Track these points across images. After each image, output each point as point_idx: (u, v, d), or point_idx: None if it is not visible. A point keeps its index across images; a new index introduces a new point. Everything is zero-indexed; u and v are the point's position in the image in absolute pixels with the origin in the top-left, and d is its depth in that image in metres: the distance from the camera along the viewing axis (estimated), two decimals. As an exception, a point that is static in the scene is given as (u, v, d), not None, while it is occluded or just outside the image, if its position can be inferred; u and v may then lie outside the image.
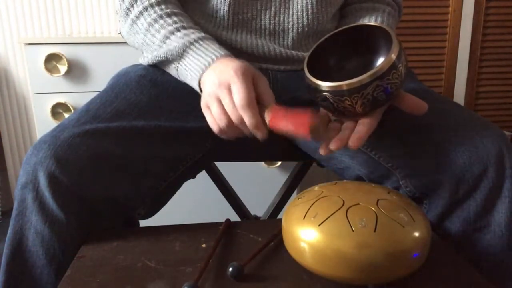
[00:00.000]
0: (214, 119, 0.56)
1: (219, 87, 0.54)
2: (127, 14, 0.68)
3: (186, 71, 0.62)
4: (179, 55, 0.62)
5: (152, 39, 0.66)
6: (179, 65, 0.63)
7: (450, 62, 2.09)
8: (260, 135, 0.54)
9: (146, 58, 0.70)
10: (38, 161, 0.56)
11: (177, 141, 0.66)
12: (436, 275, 0.49)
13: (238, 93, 0.52)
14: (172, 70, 0.66)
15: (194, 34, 0.63)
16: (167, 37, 0.64)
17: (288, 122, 0.50)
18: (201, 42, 0.62)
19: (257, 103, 0.54)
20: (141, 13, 0.66)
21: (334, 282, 0.47)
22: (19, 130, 1.83)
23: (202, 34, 0.64)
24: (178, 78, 0.66)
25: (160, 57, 0.65)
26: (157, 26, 0.65)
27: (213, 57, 0.59)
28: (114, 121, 0.62)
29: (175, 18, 0.65)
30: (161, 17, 0.65)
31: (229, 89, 0.54)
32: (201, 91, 0.60)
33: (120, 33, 0.75)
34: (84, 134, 0.58)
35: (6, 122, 1.81)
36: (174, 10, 0.67)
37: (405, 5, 1.96)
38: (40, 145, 0.57)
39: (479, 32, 2.06)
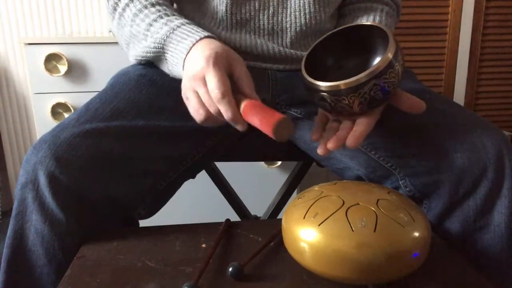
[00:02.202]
0: (194, 111, 0.56)
1: (194, 79, 0.54)
2: (115, 9, 0.70)
3: (173, 57, 0.61)
4: (164, 42, 0.62)
5: (137, 29, 0.66)
6: (166, 54, 0.63)
7: (450, 62, 2.09)
8: (239, 127, 0.53)
9: (134, 52, 0.69)
10: (38, 160, 0.56)
11: (177, 141, 0.66)
12: (436, 275, 0.49)
13: (212, 86, 0.51)
14: (164, 65, 0.66)
15: (177, 20, 0.63)
16: (151, 25, 0.64)
17: (255, 117, 0.49)
18: (183, 27, 0.61)
19: (236, 92, 0.53)
20: (127, 5, 0.68)
21: (334, 282, 0.47)
22: (19, 130, 1.83)
23: (184, 19, 0.64)
24: (171, 75, 0.65)
25: (146, 47, 0.65)
26: (141, 15, 0.66)
27: (196, 37, 0.58)
28: (113, 120, 0.62)
29: (158, 7, 0.66)
30: (145, 7, 0.66)
31: (204, 80, 0.53)
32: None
33: (111, 31, 0.75)
34: (84, 134, 0.58)
35: (6, 122, 1.81)
36: (159, 1, 0.68)
37: (405, 5, 1.96)
38: (40, 144, 0.57)
39: (479, 32, 2.06)
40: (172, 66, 0.63)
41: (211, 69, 0.52)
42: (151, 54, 0.65)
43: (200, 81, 0.53)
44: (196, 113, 0.56)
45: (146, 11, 0.66)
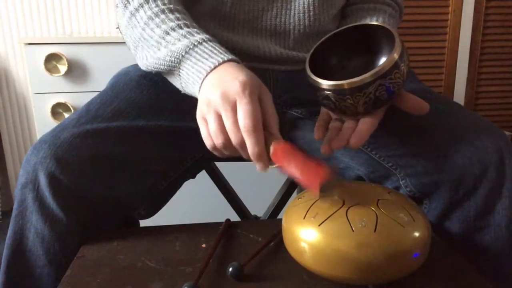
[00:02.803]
0: (209, 134, 0.51)
1: (221, 100, 0.48)
2: (126, 6, 0.64)
3: (188, 75, 0.56)
4: (181, 58, 0.56)
5: (150, 34, 0.60)
6: (180, 69, 0.57)
7: (450, 62, 2.09)
8: (260, 166, 0.49)
9: (144, 59, 0.63)
10: (38, 161, 0.56)
11: (177, 141, 0.66)
12: (436, 275, 0.49)
13: (245, 114, 0.46)
14: (175, 80, 0.60)
15: (198, 35, 0.57)
16: (167, 33, 0.58)
17: (294, 167, 0.45)
18: (205, 44, 0.56)
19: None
20: (141, 5, 0.62)
21: (334, 282, 0.47)
22: (19, 130, 1.83)
23: (207, 35, 0.58)
24: (183, 91, 0.59)
25: (161, 59, 0.59)
26: (157, 20, 0.60)
27: (219, 59, 0.53)
28: (114, 120, 0.62)
29: (177, 15, 0.60)
30: (162, 11, 0.60)
31: (234, 106, 0.48)
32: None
33: (118, 27, 0.71)
34: (84, 134, 0.58)
35: (6, 122, 1.81)
36: (178, 7, 0.62)
37: (405, 5, 1.95)
38: (40, 145, 0.57)
39: (479, 32, 2.06)
40: (186, 84, 0.57)
41: (247, 96, 0.47)
42: (164, 67, 0.59)
43: (229, 105, 0.48)
44: (213, 137, 0.50)
45: (163, 16, 0.60)
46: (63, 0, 1.74)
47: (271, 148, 0.48)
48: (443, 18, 2.04)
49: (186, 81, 0.56)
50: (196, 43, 0.56)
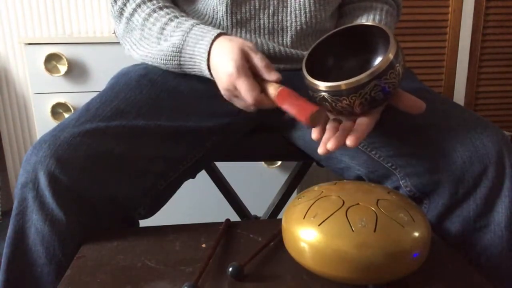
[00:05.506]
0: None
1: (227, 91, 0.61)
2: (121, 14, 0.72)
3: (192, 58, 0.65)
4: (182, 46, 0.66)
5: (149, 32, 0.69)
6: (181, 55, 0.66)
7: (450, 62, 2.09)
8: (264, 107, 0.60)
9: (149, 53, 0.70)
10: (38, 160, 0.56)
11: (177, 141, 0.66)
12: (436, 275, 0.49)
13: (245, 98, 0.58)
14: (178, 67, 0.68)
15: (187, 22, 0.67)
16: (163, 28, 0.68)
17: (292, 104, 0.54)
18: (195, 28, 0.65)
19: (259, 77, 0.59)
20: (134, 10, 0.70)
21: (334, 282, 0.47)
22: (19, 130, 1.83)
23: (193, 20, 0.68)
24: (179, 71, 0.69)
25: (164, 51, 0.67)
26: (151, 19, 0.69)
27: (211, 37, 0.63)
28: (114, 120, 0.62)
29: (166, 10, 0.70)
30: (154, 11, 0.69)
31: (236, 89, 0.59)
32: (210, 74, 0.64)
33: (114, 33, 0.76)
34: (84, 134, 0.58)
35: (6, 122, 1.81)
36: (166, 4, 0.71)
37: (405, 5, 1.96)
38: (40, 144, 0.57)
39: (479, 32, 2.06)
40: (192, 66, 0.67)
41: (239, 81, 0.58)
42: (168, 57, 0.68)
43: (233, 94, 0.61)
44: (245, 108, 0.63)
45: (155, 14, 0.69)
46: (63, 0, 1.74)
47: (273, 93, 0.57)
48: (443, 18, 2.04)
49: (191, 62, 0.66)
50: (188, 30, 0.66)
